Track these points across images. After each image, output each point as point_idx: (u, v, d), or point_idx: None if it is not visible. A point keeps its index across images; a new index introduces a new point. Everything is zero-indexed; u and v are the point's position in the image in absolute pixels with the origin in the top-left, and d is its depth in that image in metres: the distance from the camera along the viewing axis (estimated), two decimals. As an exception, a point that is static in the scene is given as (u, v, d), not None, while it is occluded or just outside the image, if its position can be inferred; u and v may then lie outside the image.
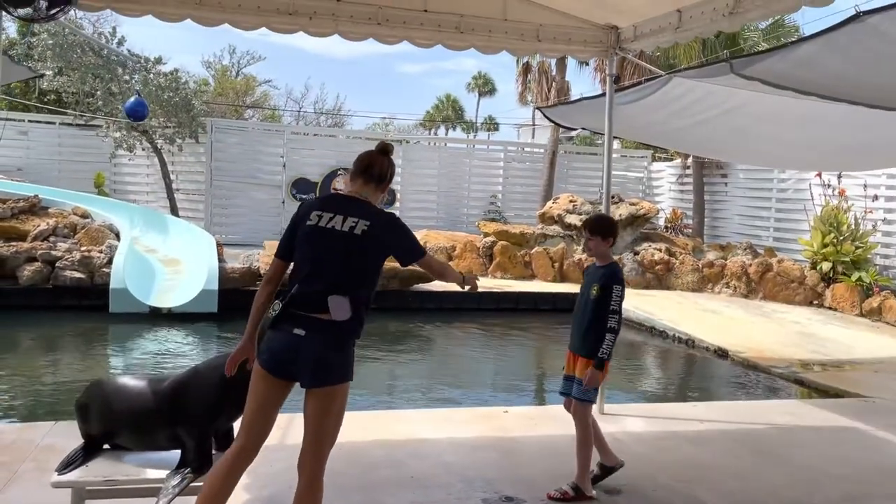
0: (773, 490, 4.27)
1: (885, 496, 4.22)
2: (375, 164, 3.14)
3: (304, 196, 17.48)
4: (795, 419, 5.81)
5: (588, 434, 4.05)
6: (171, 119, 16.07)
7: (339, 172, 17.58)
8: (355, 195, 3.09)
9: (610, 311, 3.90)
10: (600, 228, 4.09)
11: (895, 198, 12.28)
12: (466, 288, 3.34)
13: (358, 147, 18.31)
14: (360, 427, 5.08)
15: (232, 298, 10.09)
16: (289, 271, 3.10)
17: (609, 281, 3.96)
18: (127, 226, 11.93)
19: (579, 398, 4.01)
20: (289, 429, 4.94)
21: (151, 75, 16.11)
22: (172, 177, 16.71)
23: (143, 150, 16.39)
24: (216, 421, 3.28)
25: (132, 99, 13.31)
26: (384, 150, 3.21)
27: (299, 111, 37.01)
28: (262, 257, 11.09)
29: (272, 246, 11.88)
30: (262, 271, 10.81)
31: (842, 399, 6.63)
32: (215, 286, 9.93)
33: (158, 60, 16.51)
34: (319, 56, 76.17)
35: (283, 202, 17.37)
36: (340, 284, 2.88)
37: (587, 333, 3.98)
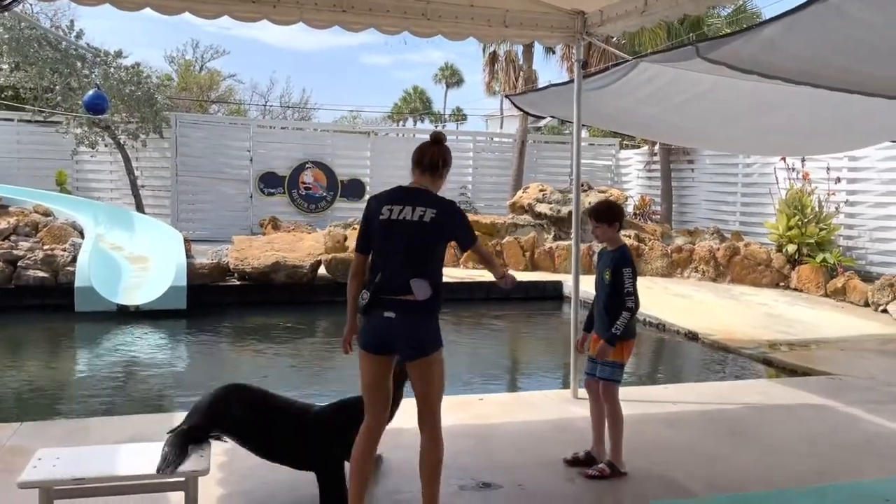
0: (745, 469, 4.33)
1: (851, 471, 4.30)
2: (426, 155, 3.37)
3: (272, 190, 17.31)
4: (766, 398, 5.90)
5: (619, 412, 4.15)
6: (134, 114, 15.75)
7: (306, 165, 17.44)
8: (417, 185, 3.37)
9: (625, 294, 4.04)
10: (605, 215, 4.20)
11: (857, 180, 12.53)
12: (503, 283, 3.46)
13: (326, 140, 18.36)
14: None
15: (201, 294, 9.99)
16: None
17: (619, 264, 4.10)
18: (91, 223, 11.70)
19: (606, 378, 4.15)
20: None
21: (112, 69, 15.74)
22: (137, 173, 16.40)
23: (106, 146, 16.05)
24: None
25: (91, 92, 12.99)
26: (436, 139, 3.44)
27: (265, 105, 36.66)
28: (231, 252, 10.96)
29: (241, 241, 11.78)
30: (231, 266, 10.69)
31: (810, 378, 6.75)
32: (184, 282, 9.80)
33: (119, 54, 16.15)
34: (284, 49, 75.42)
35: (251, 196, 17.18)
36: (419, 268, 3.20)
37: (604, 315, 4.14)
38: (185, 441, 3.31)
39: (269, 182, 17.26)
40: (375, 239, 3.31)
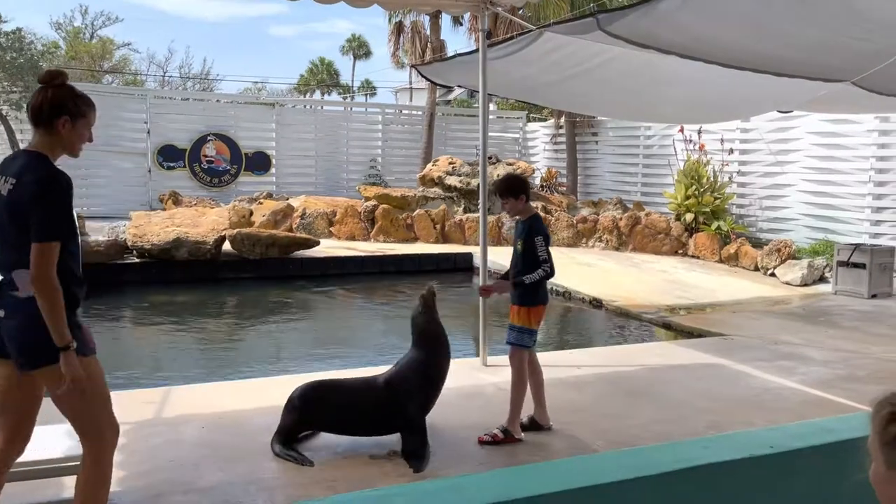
0: (644, 425, 4.54)
1: (742, 423, 4.58)
2: (31, 102, 2.66)
3: (172, 164, 16.62)
4: (664, 359, 6.19)
5: (521, 378, 4.24)
6: (17, 83, 14.76)
7: (208, 138, 16.82)
8: (28, 148, 2.68)
9: (541, 260, 4.12)
10: (509, 189, 4.27)
11: (748, 151, 13.20)
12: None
13: (230, 112, 17.74)
14: (245, 395, 4.95)
15: (97, 273, 9.49)
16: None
17: (531, 233, 4.19)
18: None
19: (512, 342, 4.25)
20: (164, 404, 4.74)
21: (-10, 34, 14.65)
22: (22, 146, 15.35)
23: (-14, 117, 14.97)
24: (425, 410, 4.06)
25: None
26: (45, 79, 2.69)
27: (164, 76, 35.01)
28: (129, 229, 10.48)
29: (139, 217, 11.28)
30: (129, 243, 10.23)
31: (705, 339, 7.12)
32: (78, 261, 9.29)
33: (-3, 18, 15.04)
34: (182, 18, 72.09)
35: (150, 171, 16.45)
36: (15, 255, 2.56)
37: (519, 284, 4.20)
38: (288, 440, 3.94)
39: (168, 155, 16.56)
40: None
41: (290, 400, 4.04)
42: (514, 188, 4.28)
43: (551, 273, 4.15)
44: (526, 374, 4.27)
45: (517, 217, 4.38)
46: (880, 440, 1.20)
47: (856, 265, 9.22)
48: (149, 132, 16.49)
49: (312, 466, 3.79)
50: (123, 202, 15.25)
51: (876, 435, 1.21)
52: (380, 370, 5.71)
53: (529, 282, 4.13)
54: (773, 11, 3.93)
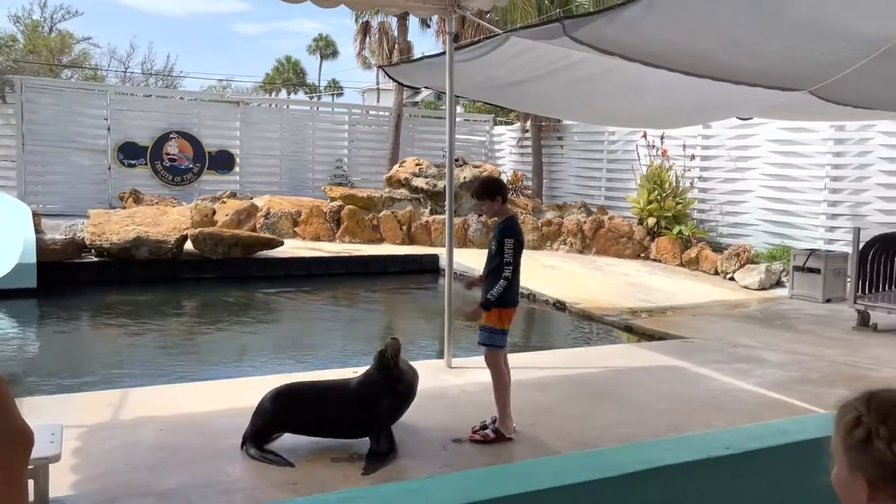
0: (607, 426, 4.58)
1: (701, 424, 4.66)
2: None
3: (132, 162, 16.31)
4: (626, 361, 6.26)
5: (501, 378, 4.26)
6: (-28, 75, 14.31)
7: (171, 136, 16.55)
8: None
9: (504, 263, 4.15)
10: (484, 192, 4.32)
11: (709, 157, 13.44)
12: None
13: (193, 109, 17.47)
14: (205, 397, 4.88)
15: (53, 272, 9.29)
16: None
17: (502, 235, 4.23)
18: (-79, 196, 10.56)
19: (484, 343, 4.28)
20: (122, 406, 4.65)
21: (-57, 25, 14.22)
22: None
23: (-61, 110, 14.51)
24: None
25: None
26: None
27: (125, 71, 34.35)
28: (88, 226, 10.26)
29: (98, 215, 11.05)
30: (87, 241, 10.01)
31: (666, 341, 7.22)
32: (33, 259, 9.07)
33: (-49, 9, 14.60)
34: (145, 13, 70.86)
35: (110, 168, 16.11)
36: None
37: (489, 284, 4.26)
38: (261, 443, 3.92)
39: (129, 153, 16.24)
40: None
41: (261, 402, 4.03)
42: (490, 190, 4.33)
43: (511, 279, 4.17)
44: (504, 373, 4.30)
45: (495, 218, 4.41)
46: (844, 444, 1.20)
47: (811, 270, 9.44)
48: (109, 129, 16.14)
49: (293, 467, 3.76)
50: (82, 200, 14.90)
51: (839, 438, 1.21)
52: (343, 373, 5.70)
53: (494, 297, 4.15)
54: (735, 24, 4.01)
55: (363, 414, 3.99)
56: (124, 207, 13.43)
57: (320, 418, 4.03)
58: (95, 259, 10.06)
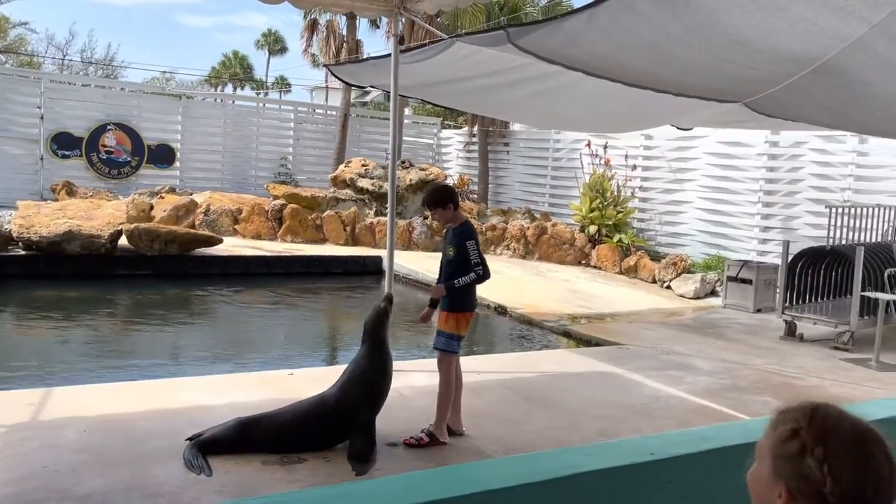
0: (539, 431, 4.63)
1: (632, 430, 4.75)
2: None
3: (67, 153, 15.75)
4: (562, 367, 6.34)
5: (449, 384, 4.26)
6: None
7: (108, 127, 16.05)
8: None
9: (473, 265, 4.18)
10: (435, 201, 4.34)
11: (650, 167, 13.75)
12: None
13: (133, 101, 16.98)
14: (133, 398, 4.74)
15: (-23, 265, 8.91)
16: None
17: (461, 239, 4.23)
18: None
19: (440, 348, 4.28)
20: (43, 406, 4.49)
21: None
22: None
23: None
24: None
25: None
26: None
27: (63, 59, 33.22)
28: (16, 218, 9.86)
29: (27, 206, 10.64)
30: (15, 234, 9.62)
31: (602, 347, 7.35)
32: (-45, 251, 8.67)
33: None
34: (87, 0, 68.56)
35: (42, 158, 15.51)
36: None
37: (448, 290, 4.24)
38: (205, 451, 3.79)
39: (63, 143, 15.67)
40: None
41: (241, 424, 3.99)
42: (440, 198, 4.34)
43: (484, 275, 4.22)
44: (453, 380, 4.32)
45: (449, 225, 4.41)
46: (774, 450, 1.18)
47: (743, 280, 9.75)
48: (42, 118, 15.56)
49: (210, 476, 3.65)
50: (11, 191, 14.31)
51: (771, 443, 1.19)
52: (278, 374, 5.62)
53: (461, 284, 4.18)
54: (670, 39, 4.11)
55: (345, 425, 4.02)
56: (56, 200, 12.96)
57: (299, 438, 4.02)
58: (23, 252, 9.67)
